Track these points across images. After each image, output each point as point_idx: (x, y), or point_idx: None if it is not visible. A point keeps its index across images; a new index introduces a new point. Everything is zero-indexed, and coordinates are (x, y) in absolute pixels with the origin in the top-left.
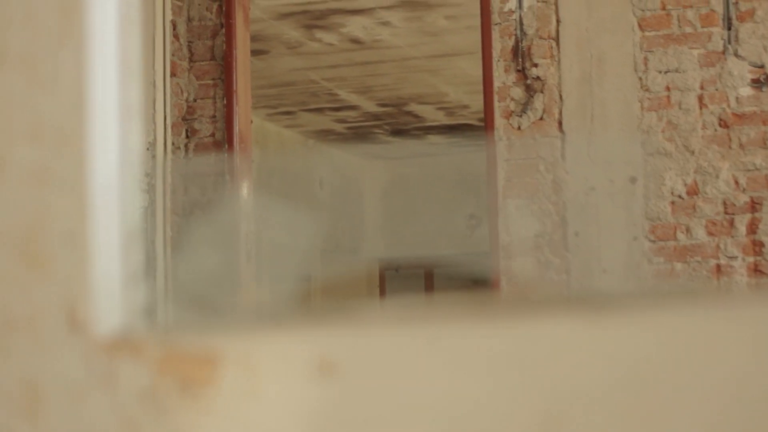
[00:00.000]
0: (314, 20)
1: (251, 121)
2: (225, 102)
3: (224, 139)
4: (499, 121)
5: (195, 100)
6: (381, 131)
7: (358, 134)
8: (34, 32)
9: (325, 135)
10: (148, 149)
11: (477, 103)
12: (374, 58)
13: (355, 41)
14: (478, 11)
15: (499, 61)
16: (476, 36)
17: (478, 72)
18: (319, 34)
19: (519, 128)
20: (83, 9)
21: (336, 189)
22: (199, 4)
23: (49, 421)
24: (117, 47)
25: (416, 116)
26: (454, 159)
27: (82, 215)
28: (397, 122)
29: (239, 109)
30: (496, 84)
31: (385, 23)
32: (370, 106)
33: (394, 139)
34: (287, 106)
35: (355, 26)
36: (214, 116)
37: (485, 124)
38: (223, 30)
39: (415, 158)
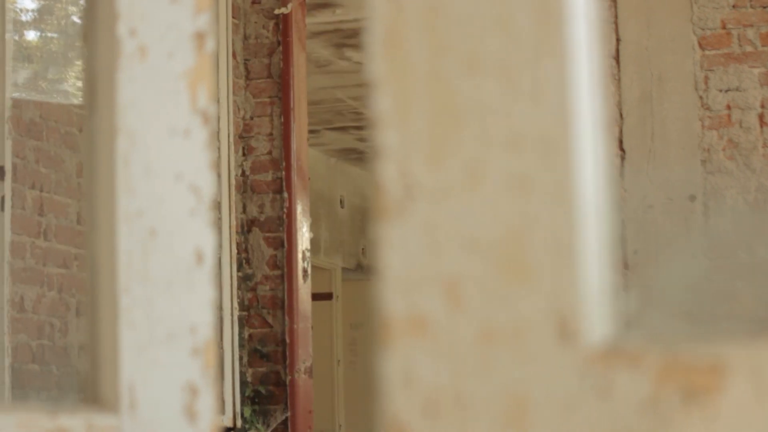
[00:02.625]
0: (345, 39)
1: (308, 139)
2: (282, 120)
3: (281, 157)
4: None
5: (252, 118)
6: None
7: None
8: (509, 39)
9: (347, 154)
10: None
11: None
12: None
13: None
14: None
15: None
16: None
17: None
18: (348, 52)
19: None
20: (561, 15)
21: (357, 208)
22: (256, 22)
23: None
24: (591, 55)
25: None
26: None
27: (568, 224)
28: None
29: (296, 127)
30: None
31: None
32: None
33: None
34: (312, 125)
35: None
36: (270, 134)
37: None
38: (280, 48)
39: None
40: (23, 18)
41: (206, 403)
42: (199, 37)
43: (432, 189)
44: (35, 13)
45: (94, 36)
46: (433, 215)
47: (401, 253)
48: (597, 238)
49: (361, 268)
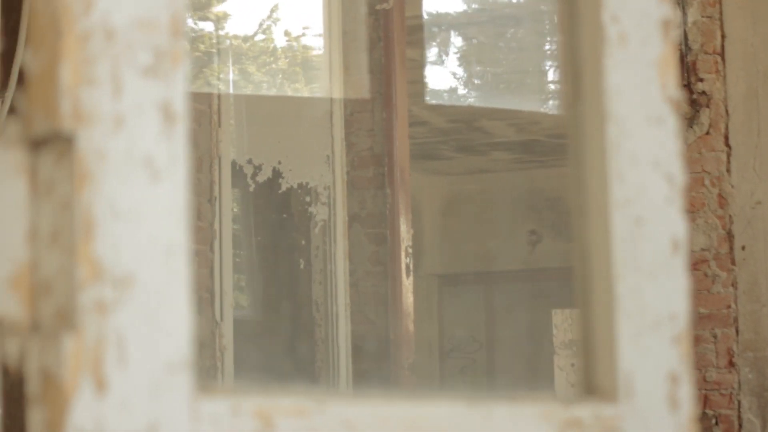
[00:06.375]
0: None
1: (408, 135)
2: (384, 115)
3: (383, 153)
4: None
5: (352, 114)
6: (446, 147)
7: (423, 151)
8: None
9: None
10: (326, 162)
11: (549, 119)
12: None
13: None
14: None
15: None
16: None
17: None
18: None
19: (684, 143)
20: None
21: None
22: (354, 18)
23: None
24: None
25: (485, 132)
26: (516, 175)
27: None
28: (464, 138)
29: (398, 123)
30: None
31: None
32: (440, 123)
33: (457, 155)
34: None
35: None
36: (371, 130)
37: None
38: (381, 43)
39: (475, 174)
40: None
41: (686, 392)
42: (666, 24)
43: None
44: None
45: (575, 23)
46: None
47: None
48: None
49: None
